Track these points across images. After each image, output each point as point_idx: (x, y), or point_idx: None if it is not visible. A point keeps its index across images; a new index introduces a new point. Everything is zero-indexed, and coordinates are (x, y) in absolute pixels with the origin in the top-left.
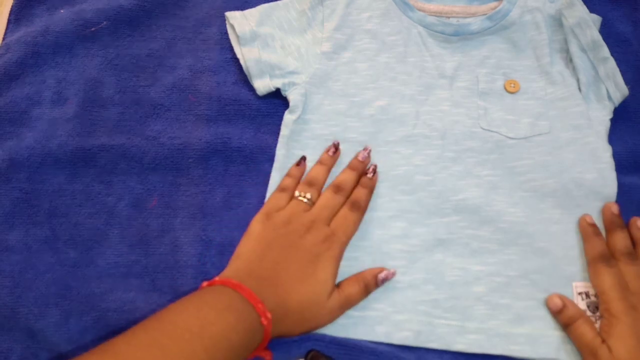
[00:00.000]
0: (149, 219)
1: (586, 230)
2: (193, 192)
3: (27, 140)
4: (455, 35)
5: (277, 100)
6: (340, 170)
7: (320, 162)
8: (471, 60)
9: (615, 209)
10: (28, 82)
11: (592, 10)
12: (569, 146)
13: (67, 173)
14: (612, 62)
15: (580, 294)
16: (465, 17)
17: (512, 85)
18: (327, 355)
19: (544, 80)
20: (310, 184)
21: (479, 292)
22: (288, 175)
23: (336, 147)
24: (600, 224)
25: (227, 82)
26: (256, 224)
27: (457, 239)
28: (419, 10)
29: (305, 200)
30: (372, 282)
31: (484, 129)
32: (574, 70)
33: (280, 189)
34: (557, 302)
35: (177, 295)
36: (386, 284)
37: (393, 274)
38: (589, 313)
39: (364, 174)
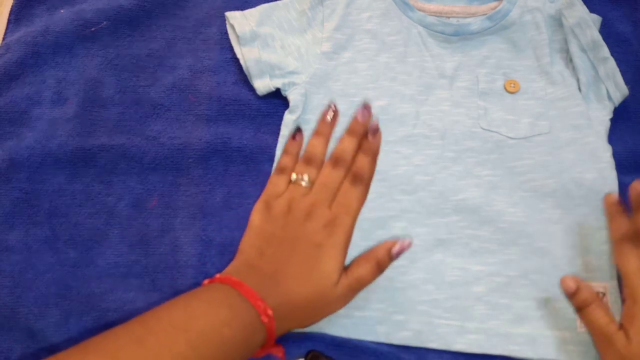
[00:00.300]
0: (149, 219)
1: (611, 209)
2: (193, 192)
3: (27, 140)
4: (455, 35)
5: (277, 100)
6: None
7: (317, 132)
8: (471, 60)
9: None
10: (28, 82)
11: (592, 10)
12: (569, 146)
13: (67, 173)
14: (612, 62)
15: None
16: (465, 17)
17: (512, 85)
18: (327, 355)
19: (544, 80)
20: (308, 161)
21: (479, 292)
22: (285, 152)
23: (334, 111)
24: (601, 224)
25: (227, 82)
26: (256, 215)
27: (457, 239)
28: (419, 10)
29: (303, 182)
30: (385, 258)
31: (484, 129)
32: (574, 70)
33: (279, 169)
34: (571, 285)
35: (177, 295)
36: (387, 284)
37: (409, 244)
38: None
39: (365, 136)
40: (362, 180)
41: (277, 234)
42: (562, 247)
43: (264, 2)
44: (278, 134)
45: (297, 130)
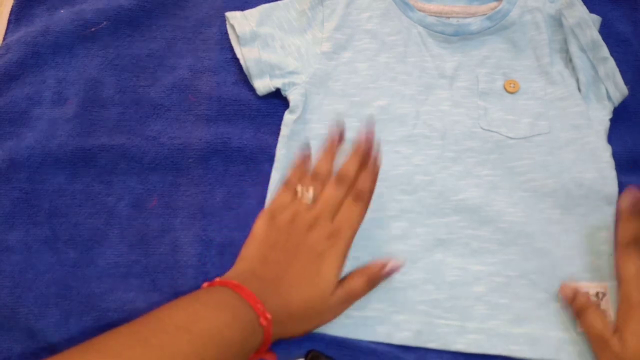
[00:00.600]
0: (149, 219)
1: (627, 208)
2: (193, 192)
3: (27, 140)
4: (455, 35)
5: (277, 100)
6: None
7: (324, 151)
8: (471, 60)
9: None
10: (28, 82)
11: (591, 10)
12: (568, 146)
13: (67, 173)
14: (611, 62)
15: None
16: (465, 17)
17: (512, 85)
18: (327, 355)
19: (543, 80)
20: (314, 177)
21: (478, 292)
22: (292, 168)
23: (341, 133)
24: (601, 224)
25: (227, 82)
26: (260, 224)
27: (457, 239)
28: (419, 10)
29: (308, 196)
30: (376, 275)
31: (483, 129)
32: (574, 70)
33: (285, 185)
34: (568, 292)
35: (177, 295)
36: (386, 284)
37: (400, 266)
38: None
39: (367, 156)
40: (363, 199)
41: (281, 242)
42: (562, 247)
43: (264, 2)
44: (278, 134)
45: (306, 148)
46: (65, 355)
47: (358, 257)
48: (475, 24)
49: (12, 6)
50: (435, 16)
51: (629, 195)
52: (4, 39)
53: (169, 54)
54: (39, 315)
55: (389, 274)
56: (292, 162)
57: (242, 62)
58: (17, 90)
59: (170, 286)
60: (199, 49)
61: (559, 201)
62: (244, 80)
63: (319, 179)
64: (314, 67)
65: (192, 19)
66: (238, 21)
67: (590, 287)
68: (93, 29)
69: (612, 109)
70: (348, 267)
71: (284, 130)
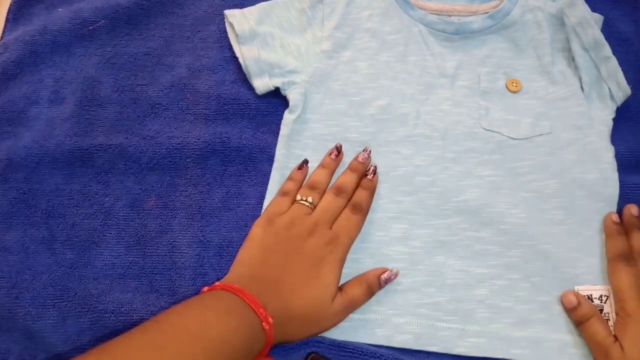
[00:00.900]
0: (146, 220)
1: (610, 228)
2: (191, 192)
3: (24, 139)
4: (457, 34)
5: (277, 100)
6: (342, 171)
7: (322, 165)
8: (472, 59)
9: (635, 210)
10: (26, 81)
11: (593, 9)
12: (570, 146)
13: (64, 173)
14: (614, 62)
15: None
16: (467, 16)
17: (514, 84)
18: (327, 357)
19: (545, 79)
20: (312, 187)
21: (480, 294)
22: (290, 179)
23: (339, 150)
24: (603, 226)
25: (226, 81)
26: (257, 229)
27: (459, 240)
28: (420, 8)
29: (307, 203)
30: (375, 284)
31: (485, 129)
32: (576, 70)
33: (282, 192)
34: (572, 300)
35: (175, 296)
36: (387, 287)
37: (396, 275)
38: None
39: (364, 175)
40: (361, 211)
41: (280, 245)
42: (565, 249)
43: (264, 0)
44: (277, 133)
45: (304, 162)
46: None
47: (358, 259)
48: (476, 22)
49: (10, 5)
50: (436, 14)
51: (612, 216)
52: (2, 38)
53: (167, 53)
54: (37, 316)
55: (386, 281)
56: (288, 169)
57: (241, 61)
58: (15, 90)
59: (168, 287)
60: (198, 47)
61: (561, 202)
62: (243, 79)
63: (317, 188)
64: (314, 66)
65: (190, 17)
66: (237, 19)
67: (593, 289)
68: (91, 28)
69: (614, 108)
70: (348, 268)
71: (284, 129)
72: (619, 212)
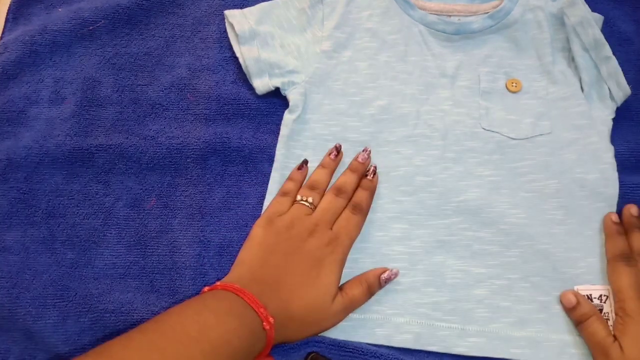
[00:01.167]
0: (147, 220)
1: (610, 228)
2: (191, 192)
3: (24, 139)
4: (457, 34)
5: (277, 100)
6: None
7: (322, 165)
8: (472, 59)
9: (634, 210)
10: (26, 81)
11: (594, 9)
12: (570, 146)
13: (64, 173)
14: (614, 61)
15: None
16: (467, 16)
17: (514, 84)
18: (327, 357)
19: (545, 79)
20: (312, 187)
21: (480, 294)
22: (290, 179)
23: (338, 150)
24: (603, 226)
25: (226, 81)
26: (258, 229)
27: (458, 240)
28: (420, 8)
29: (307, 204)
30: (375, 283)
31: (485, 129)
32: (576, 70)
33: (282, 193)
34: (571, 299)
35: (176, 296)
36: (387, 286)
37: (396, 274)
38: None
39: (364, 175)
40: (361, 211)
41: (280, 246)
42: (564, 249)
43: (264, 0)
44: (277, 133)
45: (304, 163)
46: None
47: (357, 258)
48: (476, 22)
49: (10, 5)
50: (436, 14)
51: (612, 216)
52: (2, 38)
53: (167, 53)
54: (37, 316)
55: (386, 281)
56: (288, 170)
57: (241, 61)
58: (14, 90)
59: (169, 287)
60: (198, 47)
61: (561, 202)
62: (243, 79)
63: (317, 189)
64: (314, 66)
65: (190, 17)
66: (237, 19)
67: (592, 289)
68: (91, 28)
69: (614, 108)
70: (348, 268)
71: (284, 130)
72: (619, 212)
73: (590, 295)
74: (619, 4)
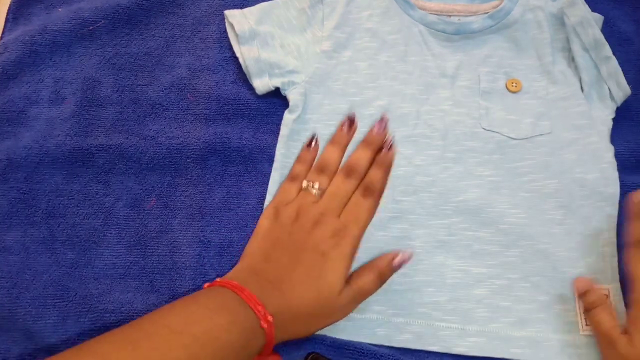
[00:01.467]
0: (147, 220)
1: (634, 209)
2: (191, 192)
3: (24, 139)
4: (457, 34)
5: (277, 100)
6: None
7: (332, 141)
8: (472, 59)
9: None
10: (26, 81)
11: (594, 9)
12: (570, 146)
13: (64, 173)
14: (614, 62)
15: None
16: (467, 16)
17: (514, 84)
18: (327, 357)
19: (545, 79)
20: (321, 169)
21: (480, 294)
22: (298, 160)
23: (352, 121)
24: (603, 226)
25: (226, 81)
26: (264, 221)
27: (458, 240)
28: (420, 8)
29: (314, 190)
30: (386, 269)
31: (485, 129)
32: (576, 70)
33: (290, 178)
34: (583, 285)
35: (176, 296)
36: (387, 286)
37: (410, 257)
38: None
39: (379, 150)
40: (373, 193)
41: (284, 240)
42: (564, 249)
43: (264, 0)
44: (278, 133)
45: (313, 139)
46: (59, 357)
47: (357, 258)
48: (476, 22)
49: (10, 5)
50: (436, 14)
51: (635, 196)
52: (2, 38)
53: (167, 53)
54: (37, 317)
55: (399, 265)
56: (289, 168)
57: (241, 61)
58: (14, 90)
59: (169, 287)
60: (198, 47)
61: (561, 202)
62: (243, 79)
63: (327, 170)
64: (314, 66)
65: (190, 17)
66: (237, 19)
67: None
68: (91, 28)
69: (614, 108)
70: None
71: (284, 130)
72: (619, 212)
73: (600, 290)
74: (619, 4)
